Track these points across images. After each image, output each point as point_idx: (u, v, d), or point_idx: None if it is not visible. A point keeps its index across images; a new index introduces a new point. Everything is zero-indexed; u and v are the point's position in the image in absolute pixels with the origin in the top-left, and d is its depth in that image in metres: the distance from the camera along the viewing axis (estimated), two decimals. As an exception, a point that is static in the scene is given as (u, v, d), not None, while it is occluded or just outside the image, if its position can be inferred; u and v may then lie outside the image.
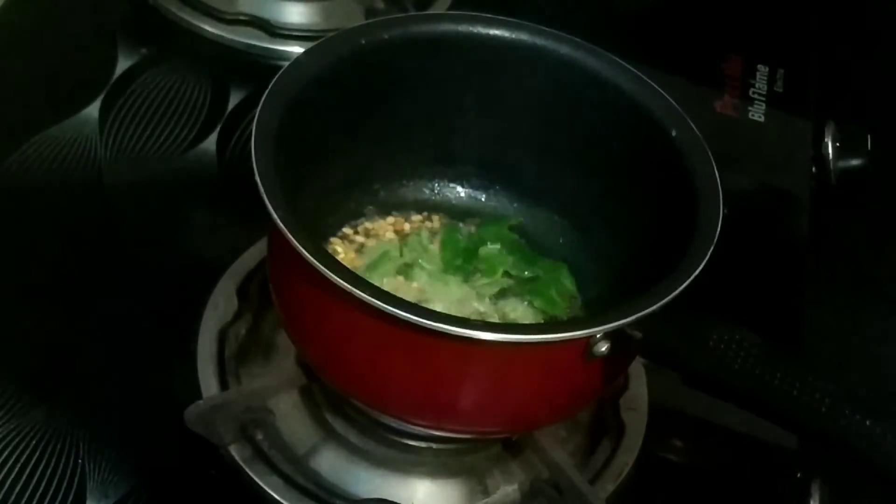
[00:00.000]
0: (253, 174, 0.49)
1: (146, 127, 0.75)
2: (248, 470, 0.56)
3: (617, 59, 0.58)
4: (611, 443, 0.61)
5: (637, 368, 0.64)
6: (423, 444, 0.58)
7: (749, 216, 0.73)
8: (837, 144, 0.82)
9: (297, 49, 0.81)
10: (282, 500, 0.56)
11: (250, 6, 0.83)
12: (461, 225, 0.64)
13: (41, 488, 0.56)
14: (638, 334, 0.48)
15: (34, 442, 0.57)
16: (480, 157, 0.64)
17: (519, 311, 0.59)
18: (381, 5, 0.84)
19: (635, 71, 0.58)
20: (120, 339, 0.63)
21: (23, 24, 0.81)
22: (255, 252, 0.66)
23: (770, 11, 0.95)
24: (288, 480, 0.57)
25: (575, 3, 0.88)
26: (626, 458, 0.60)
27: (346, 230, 0.63)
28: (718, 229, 0.51)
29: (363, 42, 0.57)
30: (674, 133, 0.56)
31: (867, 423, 0.46)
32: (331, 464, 0.58)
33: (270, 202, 0.48)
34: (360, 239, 0.62)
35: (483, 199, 0.65)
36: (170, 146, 0.74)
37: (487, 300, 0.60)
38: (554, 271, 0.61)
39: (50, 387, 0.60)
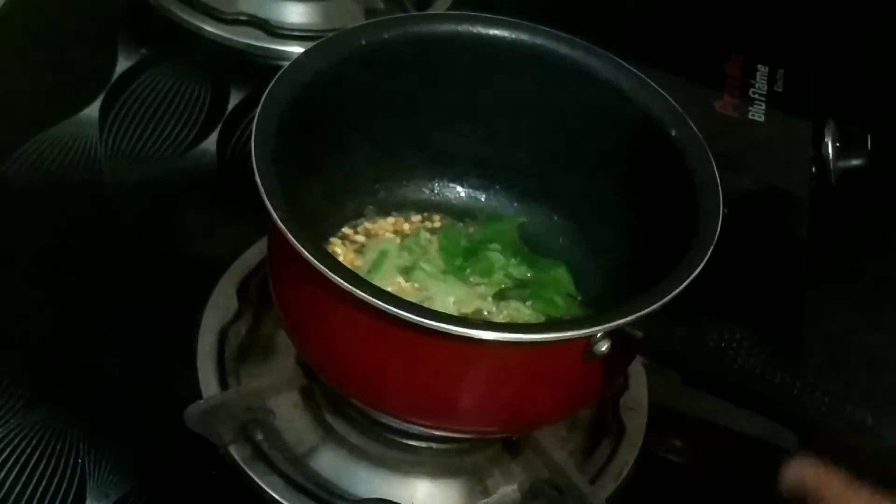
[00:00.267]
0: (253, 174, 0.49)
1: (146, 127, 0.75)
2: (247, 470, 0.56)
3: (616, 58, 0.58)
4: (611, 443, 0.61)
5: (637, 368, 0.64)
6: (422, 445, 0.58)
7: (749, 216, 0.73)
8: (837, 144, 0.82)
9: (296, 49, 0.81)
10: (282, 500, 0.56)
11: (250, 6, 0.83)
12: (461, 224, 0.64)
13: (41, 488, 0.56)
14: (638, 333, 0.48)
15: (34, 441, 0.57)
16: (480, 157, 0.64)
17: (519, 312, 0.59)
18: (380, 5, 0.84)
19: (635, 71, 0.58)
20: (120, 339, 0.63)
21: (23, 24, 0.81)
22: (255, 252, 0.66)
23: (770, 11, 0.95)
24: (288, 480, 0.56)
25: (575, 3, 0.88)
26: (627, 458, 0.60)
27: (346, 230, 0.63)
28: (718, 228, 0.51)
29: (363, 42, 0.57)
30: (673, 133, 0.56)
31: (868, 420, 0.46)
32: (331, 464, 0.58)
33: (270, 202, 0.48)
34: (360, 239, 0.62)
35: (483, 199, 0.65)
36: (170, 146, 0.74)
37: (488, 300, 0.60)
38: (553, 271, 0.61)
39: (50, 386, 0.60)
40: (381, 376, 0.51)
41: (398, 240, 0.63)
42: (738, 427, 0.63)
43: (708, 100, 0.84)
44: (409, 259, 0.61)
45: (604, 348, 0.48)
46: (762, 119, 0.85)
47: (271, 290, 0.56)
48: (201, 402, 0.57)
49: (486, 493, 0.58)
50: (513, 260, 0.61)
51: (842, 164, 0.82)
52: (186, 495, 0.58)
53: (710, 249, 0.50)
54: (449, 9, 0.86)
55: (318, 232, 0.60)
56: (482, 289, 0.60)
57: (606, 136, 0.59)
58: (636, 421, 0.62)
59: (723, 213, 0.52)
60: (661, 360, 0.51)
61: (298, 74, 0.54)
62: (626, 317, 0.47)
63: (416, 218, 0.64)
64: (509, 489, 0.59)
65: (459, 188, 0.65)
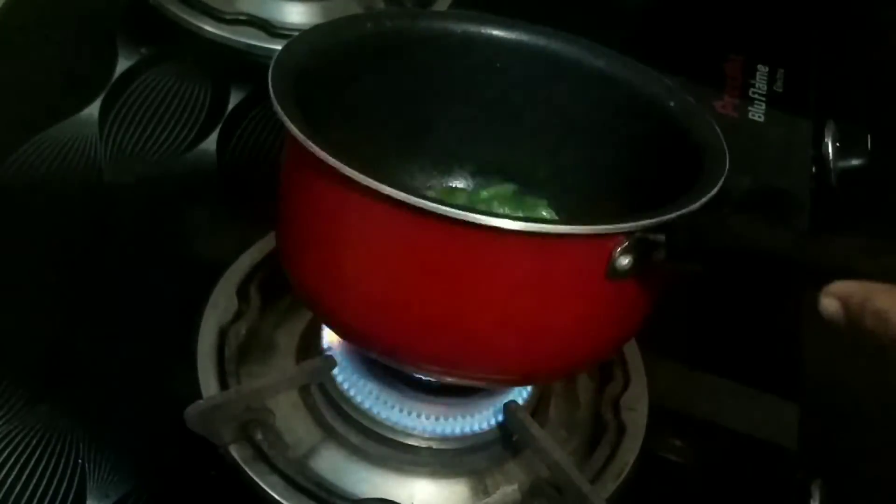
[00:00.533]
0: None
1: (146, 127, 0.75)
2: (247, 470, 0.56)
3: (619, 54, 0.58)
4: (611, 442, 0.61)
5: (637, 368, 0.64)
6: (423, 444, 0.58)
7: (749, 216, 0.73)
8: (837, 144, 0.82)
9: (296, 49, 0.81)
10: (282, 500, 0.56)
11: (250, 6, 0.83)
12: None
13: (41, 488, 0.55)
14: (660, 237, 0.47)
15: (34, 442, 0.57)
16: (480, 156, 0.63)
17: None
18: (381, 5, 0.84)
19: (640, 65, 0.58)
20: (120, 339, 0.63)
21: (22, 24, 0.81)
22: (255, 252, 0.66)
23: (770, 11, 0.95)
24: (288, 480, 0.56)
25: (575, 3, 0.88)
26: (627, 458, 0.60)
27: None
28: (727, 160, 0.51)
29: (357, 34, 0.57)
30: (672, 104, 0.56)
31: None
32: (330, 464, 0.58)
33: (283, 111, 0.48)
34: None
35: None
36: (170, 146, 0.74)
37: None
38: (539, 208, 0.62)
39: (50, 387, 0.60)
40: (392, 295, 0.49)
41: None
42: (739, 426, 0.63)
43: (708, 100, 0.85)
44: None
45: (626, 262, 0.47)
46: (762, 119, 0.85)
47: (276, 227, 0.55)
48: (201, 402, 0.57)
49: (486, 492, 0.58)
50: (502, 207, 0.62)
51: (842, 164, 0.82)
52: (186, 495, 0.58)
53: (727, 164, 0.49)
54: (449, 7, 0.86)
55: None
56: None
57: (611, 134, 0.59)
58: (636, 421, 0.62)
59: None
60: (685, 256, 0.49)
61: (297, 57, 0.54)
62: (648, 219, 0.47)
63: None
64: (509, 489, 0.58)
65: (458, 185, 0.65)
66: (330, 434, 0.59)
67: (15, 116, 0.75)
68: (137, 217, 0.70)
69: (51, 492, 0.55)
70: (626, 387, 0.63)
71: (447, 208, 0.45)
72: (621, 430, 0.61)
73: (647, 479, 0.60)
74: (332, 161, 0.46)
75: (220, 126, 0.76)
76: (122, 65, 0.79)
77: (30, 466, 0.56)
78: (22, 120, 0.74)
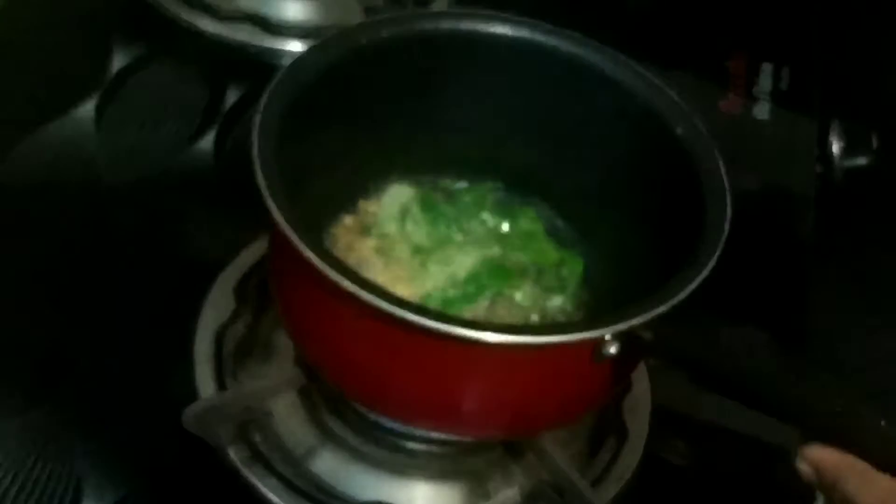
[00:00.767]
0: (251, 173, 0.49)
1: (143, 125, 0.75)
2: (246, 471, 0.56)
3: (620, 55, 0.58)
4: (613, 445, 0.61)
5: (640, 371, 0.64)
6: (422, 447, 0.58)
7: (754, 215, 0.73)
8: (842, 143, 0.82)
9: (295, 46, 0.81)
10: (280, 502, 0.56)
11: (248, 3, 0.83)
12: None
13: (38, 489, 0.55)
14: (648, 335, 0.48)
15: (31, 443, 0.57)
16: (482, 156, 0.63)
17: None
18: (379, 2, 0.83)
19: (639, 67, 0.58)
20: (117, 340, 0.63)
21: (19, 22, 0.81)
22: (253, 251, 0.65)
23: (774, 9, 0.95)
24: (286, 482, 0.56)
25: (578, 1, 0.88)
26: (629, 461, 0.60)
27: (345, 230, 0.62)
28: (727, 229, 0.51)
29: (363, 41, 0.57)
30: (679, 131, 0.55)
31: (881, 422, 0.45)
32: (329, 466, 0.58)
33: (274, 203, 0.48)
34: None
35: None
36: (167, 144, 0.74)
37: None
38: (527, 221, 0.62)
39: (46, 387, 0.60)
40: (382, 377, 0.51)
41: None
42: (741, 429, 0.63)
43: (713, 98, 0.85)
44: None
45: (612, 350, 0.48)
46: (767, 118, 0.85)
47: (271, 288, 0.55)
48: (199, 403, 0.57)
49: (486, 496, 0.58)
50: (491, 214, 0.62)
51: (847, 163, 0.82)
52: (184, 497, 0.58)
53: (719, 249, 0.50)
54: (449, 6, 0.86)
55: (317, 228, 0.60)
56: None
57: (610, 134, 0.59)
58: (639, 423, 0.62)
59: (730, 211, 0.52)
60: (672, 360, 0.51)
61: (298, 75, 0.54)
62: (635, 318, 0.47)
63: None
64: (510, 492, 0.58)
65: (460, 186, 0.64)
66: (328, 436, 0.59)
67: (11, 114, 0.75)
68: (134, 216, 0.70)
69: (48, 493, 0.55)
70: (628, 389, 0.63)
71: (431, 322, 0.45)
72: (623, 432, 0.61)
73: (650, 481, 0.60)
74: (321, 266, 0.46)
75: (217, 124, 0.76)
76: (119, 62, 0.79)
77: (27, 468, 0.56)
78: (18, 118, 0.74)
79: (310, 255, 0.47)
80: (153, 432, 0.59)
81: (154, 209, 0.70)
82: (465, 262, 0.59)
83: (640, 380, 0.63)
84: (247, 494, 0.56)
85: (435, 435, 0.56)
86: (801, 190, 0.80)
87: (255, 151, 0.49)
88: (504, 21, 0.59)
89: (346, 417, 0.59)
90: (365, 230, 0.61)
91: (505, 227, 0.63)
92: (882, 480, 0.44)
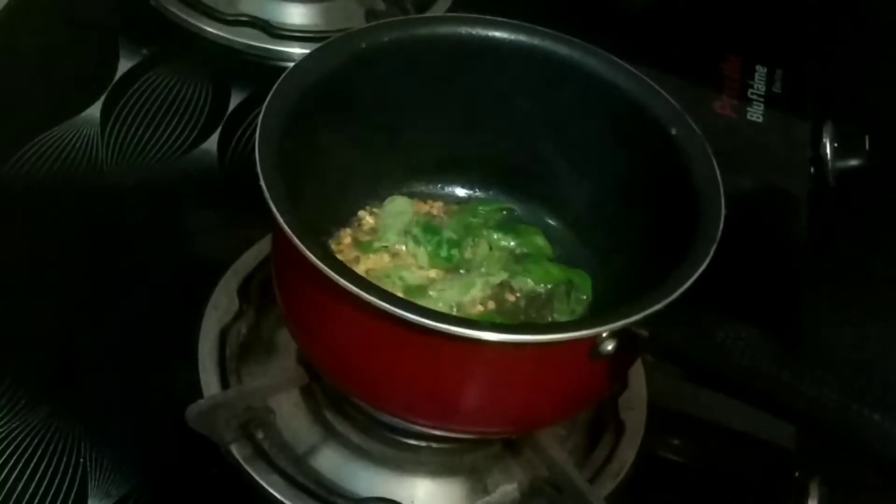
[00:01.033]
0: (254, 175, 0.49)
1: (147, 127, 0.75)
2: (248, 469, 0.57)
3: (616, 58, 0.59)
4: (610, 442, 0.61)
5: (636, 367, 0.64)
6: (423, 443, 0.59)
7: (748, 216, 0.73)
8: (835, 145, 0.82)
9: (297, 50, 0.81)
10: (282, 499, 0.56)
11: (251, 7, 0.83)
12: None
13: (43, 487, 0.56)
14: (644, 332, 0.48)
15: (36, 441, 0.57)
16: (480, 159, 0.64)
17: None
18: (381, 6, 0.84)
19: (634, 70, 0.58)
20: (121, 339, 0.63)
21: (25, 25, 0.81)
22: (256, 252, 0.66)
23: (768, 12, 0.95)
24: (288, 479, 0.57)
25: (573, 5, 0.88)
26: (626, 457, 0.60)
27: (346, 230, 0.63)
28: (721, 226, 0.51)
29: (364, 45, 0.57)
30: (674, 132, 0.56)
31: (875, 417, 0.46)
32: (331, 463, 0.59)
33: (276, 207, 0.48)
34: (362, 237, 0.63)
35: (483, 200, 0.65)
36: (171, 147, 0.74)
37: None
38: (533, 237, 0.62)
39: (52, 386, 0.60)
40: (384, 376, 0.52)
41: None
42: (737, 426, 0.63)
43: (706, 100, 0.84)
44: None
45: (609, 348, 0.49)
46: (761, 120, 0.85)
47: (274, 289, 0.56)
48: (202, 401, 0.57)
49: (486, 491, 0.58)
50: (495, 234, 0.62)
51: (840, 164, 0.82)
52: (187, 494, 0.58)
53: (714, 246, 0.50)
54: (449, 10, 0.86)
55: (321, 231, 0.61)
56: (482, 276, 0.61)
57: (606, 136, 0.59)
58: (635, 420, 0.62)
59: (724, 211, 0.52)
60: (668, 358, 0.51)
61: (300, 79, 0.54)
62: (631, 316, 0.47)
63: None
64: (509, 488, 0.59)
65: (459, 189, 0.65)
66: (330, 433, 0.59)
67: (17, 116, 0.75)
68: (139, 217, 0.70)
69: (52, 491, 0.56)
70: (625, 386, 0.63)
71: (431, 321, 0.46)
72: (620, 429, 0.62)
73: (646, 478, 0.60)
74: (322, 267, 0.47)
75: (221, 126, 0.76)
76: (124, 65, 0.79)
77: (31, 466, 0.56)
78: (24, 120, 0.74)
79: (311, 256, 0.47)
80: (157, 430, 0.59)
81: (158, 210, 0.71)
82: (469, 293, 0.59)
83: (637, 377, 0.64)
84: (250, 491, 0.56)
85: (435, 432, 0.57)
86: (795, 190, 0.80)
87: (257, 154, 0.50)
88: (502, 25, 0.59)
89: (348, 415, 0.59)
90: (364, 248, 0.61)
91: (510, 245, 0.62)
92: None
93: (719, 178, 0.54)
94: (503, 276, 0.60)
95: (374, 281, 0.55)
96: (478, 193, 0.65)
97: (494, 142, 0.62)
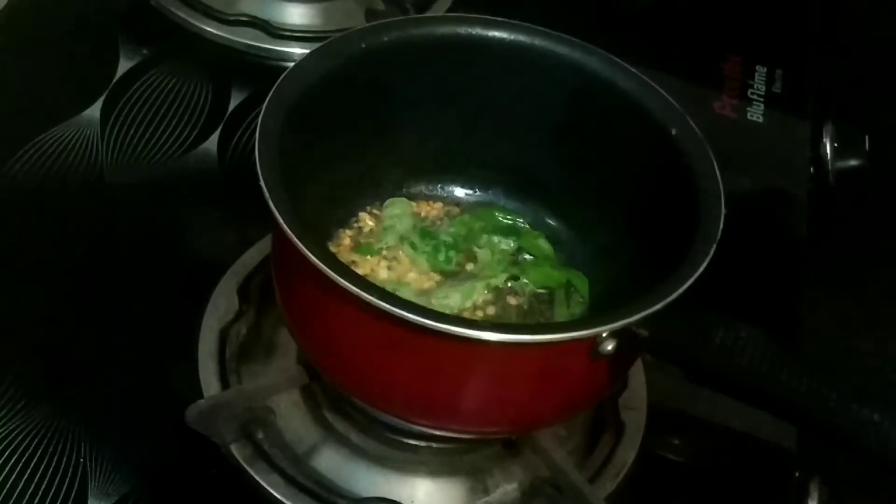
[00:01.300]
0: (254, 175, 0.49)
1: (147, 127, 0.75)
2: (248, 469, 0.57)
3: (615, 58, 0.59)
4: (610, 442, 0.61)
5: (636, 367, 0.64)
6: (423, 443, 0.59)
7: (747, 216, 0.73)
8: (835, 145, 0.82)
9: (297, 50, 0.81)
10: (282, 499, 0.56)
11: (251, 7, 0.84)
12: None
13: (43, 487, 0.56)
14: (644, 332, 0.48)
15: (36, 441, 0.57)
16: (480, 159, 0.64)
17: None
18: (381, 6, 0.84)
19: (634, 70, 0.58)
20: (121, 339, 0.63)
21: (25, 25, 0.81)
22: (256, 252, 0.66)
23: (768, 12, 0.95)
24: (288, 479, 0.57)
25: (573, 5, 0.88)
26: (626, 457, 0.60)
27: (346, 231, 0.63)
28: (721, 226, 0.51)
29: (363, 46, 0.57)
30: (674, 132, 0.56)
31: (875, 416, 0.46)
32: (331, 462, 0.59)
33: (276, 207, 0.48)
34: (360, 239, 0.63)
35: (482, 201, 0.65)
36: (171, 147, 0.74)
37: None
38: (536, 241, 0.62)
39: (52, 386, 0.60)
40: (384, 376, 0.52)
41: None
42: (737, 426, 0.63)
43: (706, 101, 0.84)
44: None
45: (609, 348, 0.49)
46: (761, 120, 0.85)
47: (274, 289, 0.56)
48: (202, 401, 0.57)
49: (486, 491, 0.59)
50: (495, 237, 0.62)
51: (840, 164, 0.82)
52: (187, 494, 0.58)
53: (714, 247, 0.50)
54: (449, 10, 0.86)
55: (320, 231, 0.61)
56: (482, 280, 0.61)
57: (605, 135, 0.59)
58: (635, 420, 0.62)
59: (724, 211, 0.52)
60: (668, 358, 0.51)
61: (299, 79, 0.55)
62: (631, 316, 0.47)
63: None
64: (509, 488, 0.59)
65: (459, 189, 0.65)
66: (330, 433, 0.60)
67: (17, 117, 0.75)
68: (138, 217, 0.70)
69: (52, 491, 0.56)
70: (625, 386, 0.63)
71: (431, 322, 0.46)
72: (620, 429, 0.62)
73: (646, 477, 0.60)
74: (322, 266, 0.47)
75: (221, 126, 0.76)
76: (124, 65, 0.79)
77: (31, 466, 0.56)
78: (24, 120, 0.74)
79: (311, 256, 0.47)
80: (157, 430, 0.59)
81: (158, 210, 0.71)
82: (470, 298, 0.60)
83: (637, 377, 0.64)
84: (250, 491, 0.56)
85: (435, 432, 0.57)
86: (795, 191, 0.80)
87: (257, 154, 0.50)
88: (502, 25, 0.59)
89: (348, 415, 0.59)
90: (363, 251, 0.61)
91: (510, 248, 0.62)
92: None
93: (719, 178, 0.54)
94: (503, 278, 0.61)
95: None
96: (478, 194, 0.65)
97: (494, 142, 0.62)
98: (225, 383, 0.60)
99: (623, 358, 0.51)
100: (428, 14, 0.83)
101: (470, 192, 0.65)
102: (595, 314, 0.59)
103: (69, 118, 0.75)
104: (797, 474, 0.63)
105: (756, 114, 0.85)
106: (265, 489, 0.56)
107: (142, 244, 0.69)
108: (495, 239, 0.62)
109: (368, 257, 0.61)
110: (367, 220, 0.63)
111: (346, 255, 0.61)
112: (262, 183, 0.49)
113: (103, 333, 0.63)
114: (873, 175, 0.83)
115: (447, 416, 0.53)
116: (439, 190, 0.65)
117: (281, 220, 0.48)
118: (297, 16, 0.84)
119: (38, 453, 0.57)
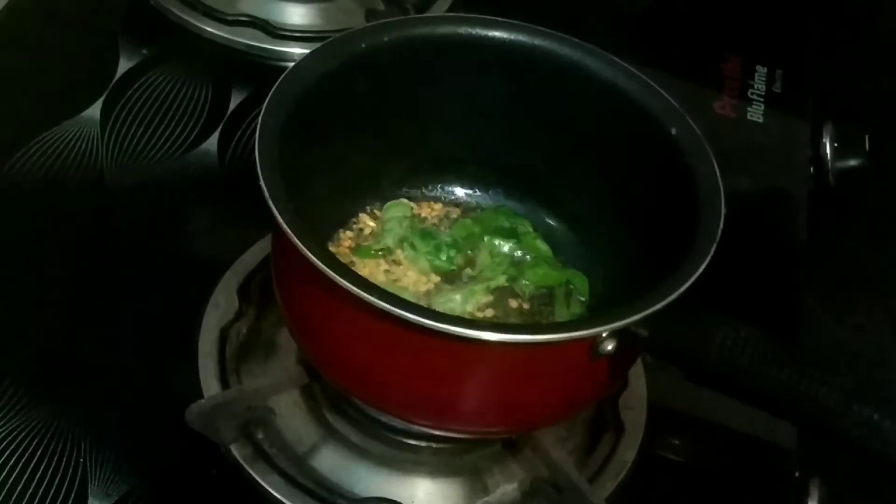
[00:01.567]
0: (254, 175, 0.49)
1: (147, 127, 0.75)
2: (248, 469, 0.57)
3: (615, 58, 0.59)
4: (610, 441, 0.61)
5: (636, 367, 0.64)
6: (423, 443, 0.59)
7: (747, 216, 0.73)
8: (835, 145, 0.82)
9: (297, 50, 0.81)
10: (282, 499, 0.56)
11: (251, 7, 0.84)
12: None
13: (43, 487, 0.56)
14: (644, 332, 0.48)
15: (36, 441, 0.57)
16: (480, 160, 0.64)
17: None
18: (381, 6, 0.84)
19: (634, 70, 0.58)
20: (121, 339, 0.63)
21: (25, 25, 0.81)
22: (256, 251, 0.66)
23: (768, 12, 0.95)
24: (288, 479, 0.57)
25: (574, 5, 0.88)
26: (626, 457, 0.60)
27: (345, 231, 0.63)
28: (721, 227, 0.51)
29: (364, 45, 0.57)
30: (673, 131, 0.56)
31: (875, 416, 0.46)
32: (331, 462, 0.59)
33: (276, 207, 0.48)
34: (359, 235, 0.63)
35: (482, 201, 0.65)
36: (171, 146, 0.74)
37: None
38: (535, 242, 0.62)
39: (52, 386, 0.60)
40: (384, 376, 0.52)
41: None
42: (737, 425, 0.63)
43: (707, 101, 0.85)
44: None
45: (609, 348, 0.49)
46: (761, 120, 0.85)
47: (274, 289, 0.56)
48: (202, 401, 0.57)
49: (486, 491, 0.59)
50: (495, 239, 0.62)
51: (840, 164, 0.82)
52: (187, 494, 0.58)
53: (714, 246, 0.50)
54: (449, 10, 0.86)
55: (320, 232, 0.61)
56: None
57: (605, 136, 0.59)
58: (635, 420, 0.62)
59: (724, 211, 0.52)
60: (668, 358, 0.51)
61: (300, 79, 0.55)
62: (631, 316, 0.48)
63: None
64: (509, 487, 0.59)
65: (459, 189, 0.65)
66: (330, 433, 0.60)
67: (17, 117, 0.75)
68: (139, 217, 0.71)
69: (52, 491, 0.56)
70: (625, 386, 0.63)
71: (431, 322, 0.46)
72: (620, 428, 0.62)
73: (646, 478, 0.60)
74: (322, 267, 0.47)
75: (221, 126, 0.76)
76: (124, 66, 0.79)
77: (32, 465, 0.56)
78: (24, 120, 0.74)
79: (311, 256, 0.47)
80: (157, 430, 0.59)
81: (158, 210, 0.71)
82: (471, 301, 0.60)
83: (637, 377, 0.64)
84: (249, 491, 0.56)
85: (435, 432, 0.57)
86: (795, 191, 0.80)
87: (257, 154, 0.50)
88: (502, 25, 0.59)
89: (348, 415, 0.59)
90: (362, 254, 0.61)
91: (509, 250, 0.62)
92: None
93: (719, 178, 0.54)
94: (503, 279, 0.61)
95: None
96: (478, 194, 0.65)
97: (494, 142, 0.62)
98: (225, 383, 0.60)
99: (623, 358, 0.51)
100: (428, 14, 0.83)
101: (470, 192, 0.65)
102: (595, 314, 0.59)
103: (69, 118, 0.75)
104: (797, 474, 0.63)
105: (756, 114, 0.85)
106: (265, 489, 0.56)
107: (141, 244, 0.69)
108: (495, 241, 0.62)
109: (368, 260, 0.61)
110: (367, 221, 0.63)
111: (345, 257, 0.61)
112: (262, 183, 0.49)
113: (103, 333, 0.63)
114: (873, 175, 0.83)
115: (447, 416, 0.53)
116: (439, 190, 0.65)
117: (281, 220, 0.48)
118: (297, 16, 0.84)
119: (38, 453, 0.57)
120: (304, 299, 0.53)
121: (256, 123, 0.52)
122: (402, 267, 0.61)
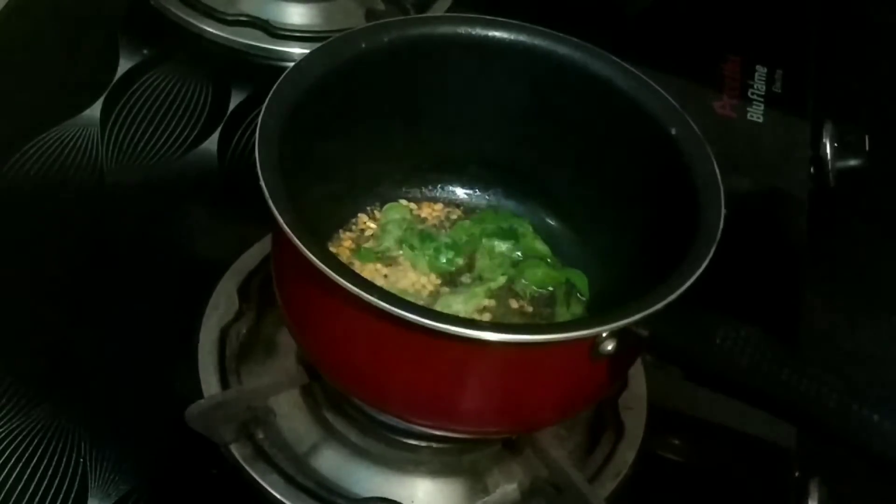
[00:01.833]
0: (254, 175, 0.49)
1: (147, 127, 0.75)
2: (248, 469, 0.57)
3: (616, 58, 0.59)
4: (610, 442, 0.61)
5: (636, 367, 0.64)
6: (423, 444, 0.59)
7: (748, 216, 0.73)
8: (835, 145, 0.82)
9: (297, 50, 0.81)
10: (282, 499, 0.56)
11: (251, 7, 0.84)
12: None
13: (43, 487, 0.56)
14: (644, 332, 0.48)
15: (36, 441, 0.57)
16: (480, 159, 0.64)
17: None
18: (381, 6, 0.84)
19: (634, 70, 0.58)
20: (121, 339, 0.63)
21: (25, 25, 0.81)
22: (256, 251, 0.66)
23: (768, 12, 0.95)
24: (288, 479, 0.57)
25: (574, 5, 0.88)
26: (625, 457, 0.60)
27: (345, 231, 0.63)
28: (721, 226, 0.51)
29: (363, 46, 0.57)
30: (673, 132, 0.56)
31: (875, 417, 0.46)
32: (331, 462, 0.59)
33: (276, 207, 0.48)
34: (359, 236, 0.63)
35: (482, 201, 0.65)
36: (171, 146, 0.74)
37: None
38: (532, 242, 0.62)
39: (52, 386, 0.60)
40: (384, 376, 0.52)
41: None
42: (737, 426, 0.63)
43: (707, 101, 0.85)
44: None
45: (609, 347, 0.49)
46: (761, 120, 0.85)
47: (274, 289, 0.56)
48: (202, 401, 0.57)
49: (485, 491, 0.59)
50: (495, 241, 0.62)
51: (840, 164, 0.82)
52: (187, 494, 0.58)
53: (714, 247, 0.50)
54: (449, 10, 0.86)
55: (320, 232, 0.61)
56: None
57: (606, 136, 0.59)
58: (635, 420, 0.62)
59: (724, 211, 0.52)
60: (668, 358, 0.51)
61: (300, 79, 0.55)
62: (631, 316, 0.48)
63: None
64: (509, 488, 0.59)
65: (459, 189, 0.65)
66: (330, 433, 0.60)
67: (17, 117, 0.75)
68: (139, 217, 0.71)
69: (52, 490, 0.56)
70: (625, 386, 0.63)
71: (431, 321, 0.46)
72: (620, 429, 0.62)
73: (646, 478, 0.61)
74: (322, 267, 0.47)
75: (221, 126, 0.76)
76: (124, 66, 0.79)
77: (32, 465, 0.56)
78: (24, 120, 0.74)
79: (311, 256, 0.47)
80: (157, 430, 0.59)
81: (158, 210, 0.71)
82: (472, 303, 0.60)
83: (637, 377, 0.64)
84: (249, 491, 0.56)
85: (435, 432, 0.57)
86: (795, 191, 0.80)
87: (257, 154, 0.50)
88: (502, 25, 0.59)
89: (348, 415, 0.59)
90: (361, 255, 0.61)
91: (508, 251, 0.62)
92: None
93: (719, 178, 0.54)
94: (503, 280, 0.61)
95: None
96: (478, 194, 0.65)
97: (495, 142, 0.63)
98: (225, 383, 0.60)
99: (623, 358, 0.51)
100: (428, 14, 0.83)
101: (470, 192, 0.65)
102: (595, 314, 0.59)
103: (69, 118, 0.75)
104: (797, 474, 0.63)
105: (756, 114, 0.85)
106: (265, 489, 0.56)
107: (142, 244, 0.69)
108: (494, 242, 0.62)
109: (368, 263, 0.61)
110: (367, 222, 0.63)
111: (345, 258, 0.61)
112: (262, 183, 0.49)
113: (103, 333, 0.63)
114: (873, 175, 0.83)
115: (447, 416, 0.53)
116: (439, 191, 0.65)
117: (281, 221, 0.48)
118: (297, 16, 0.84)
119: (38, 453, 0.57)
120: (304, 299, 0.53)
121: (256, 123, 0.52)
122: (401, 269, 0.61)
